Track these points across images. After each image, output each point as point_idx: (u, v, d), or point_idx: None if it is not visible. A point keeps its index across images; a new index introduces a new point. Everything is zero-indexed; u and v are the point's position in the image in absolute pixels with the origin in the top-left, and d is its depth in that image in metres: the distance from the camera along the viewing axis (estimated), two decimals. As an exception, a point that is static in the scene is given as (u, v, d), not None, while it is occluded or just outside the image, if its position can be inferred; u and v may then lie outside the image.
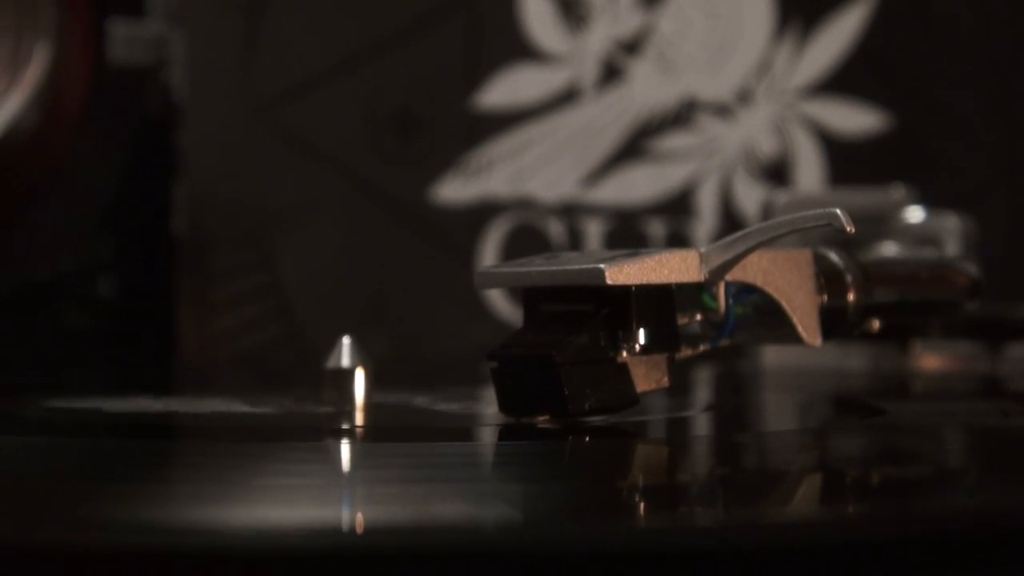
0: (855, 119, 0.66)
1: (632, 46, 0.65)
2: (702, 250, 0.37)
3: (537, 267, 0.37)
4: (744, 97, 0.65)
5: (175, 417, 0.43)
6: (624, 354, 0.36)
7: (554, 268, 0.37)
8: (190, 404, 0.46)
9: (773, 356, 0.54)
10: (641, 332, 0.36)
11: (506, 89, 0.64)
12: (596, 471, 0.33)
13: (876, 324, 0.41)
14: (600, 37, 0.65)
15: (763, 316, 0.39)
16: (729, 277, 0.37)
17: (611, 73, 0.65)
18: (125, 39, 0.64)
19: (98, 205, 0.65)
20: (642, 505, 0.29)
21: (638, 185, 0.65)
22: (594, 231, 0.64)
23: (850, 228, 0.36)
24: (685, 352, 0.38)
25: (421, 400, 0.44)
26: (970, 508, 0.28)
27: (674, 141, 0.65)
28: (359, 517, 0.26)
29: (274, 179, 0.63)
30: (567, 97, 0.65)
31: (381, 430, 0.39)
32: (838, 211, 0.36)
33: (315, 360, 0.43)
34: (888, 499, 0.29)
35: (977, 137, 0.67)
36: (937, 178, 0.65)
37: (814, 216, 0.36)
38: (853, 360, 0.55)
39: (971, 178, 0.66)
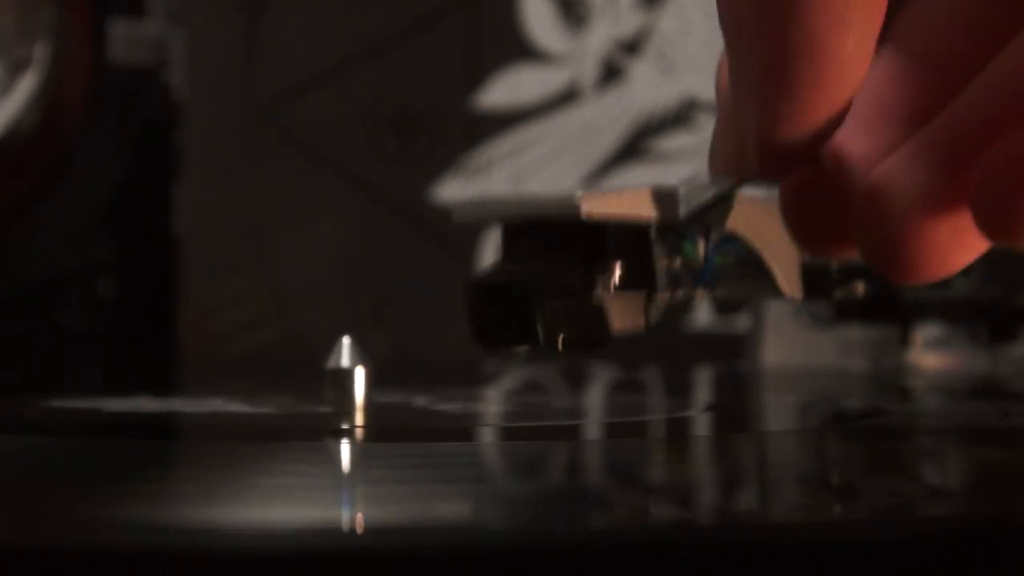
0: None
1: (632, 46, 0.65)
2: (682, 190, 0.36)
3: (515, 199, 0.37)
4: (744, 97, 0.65)
5: (175, 417, 0.43)
6: (599, 291, 0.36)
7: (531, 199, 0.36)
8: (190, 404, 0.46)
9: (773, 356, 0.54)
10: (617, 268, 0.36)
11: (506, 89, 0.64)
12: (595, 471, 0.33)
13: (861, 288, 0.40)
14: (600, 37, 0.65)
15: (744, 268, 0.38)
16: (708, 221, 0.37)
17: (611, 73, 0.65)
18: (125, 39, 0.64)
19: (98, 205, 0.65)
20: (641, 504, 0.29)
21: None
22: (594, 231, 0.64)
23: None
24: (663, 297, 0.37)
25: (421, 400, 0.44)
26: (969, 508, 0.28)
27: (674, 141, 0.65)
28: (359, 517, 0.26)
29: (274, 179, 0.63)
30: (567, 97, 0.65)
31: (381, 430, 0.39)
32: None
33: (315, 360, 0.43)
34: (885, 499, 0.29)
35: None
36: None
37: None
38: (853, 360, 0.55)
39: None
